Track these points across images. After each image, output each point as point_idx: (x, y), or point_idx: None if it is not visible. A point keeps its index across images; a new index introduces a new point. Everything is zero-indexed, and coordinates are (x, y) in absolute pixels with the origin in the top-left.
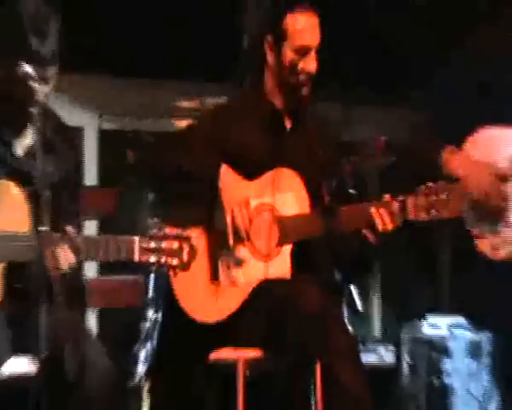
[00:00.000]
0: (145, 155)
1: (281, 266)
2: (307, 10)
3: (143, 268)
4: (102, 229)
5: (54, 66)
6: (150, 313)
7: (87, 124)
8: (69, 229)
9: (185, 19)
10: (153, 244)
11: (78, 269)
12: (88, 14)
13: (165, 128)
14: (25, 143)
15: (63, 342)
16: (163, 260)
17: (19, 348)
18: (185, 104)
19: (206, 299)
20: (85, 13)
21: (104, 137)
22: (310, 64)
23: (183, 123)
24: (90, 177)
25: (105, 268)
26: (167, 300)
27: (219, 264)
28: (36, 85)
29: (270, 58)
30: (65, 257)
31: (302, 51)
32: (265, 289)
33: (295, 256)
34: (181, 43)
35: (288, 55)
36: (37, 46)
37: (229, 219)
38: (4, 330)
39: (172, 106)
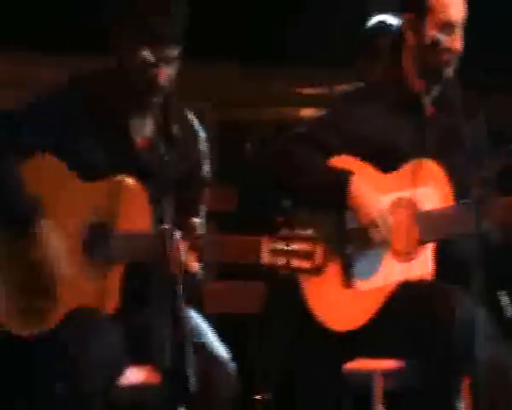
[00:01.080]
0: (270, 157)
1: (422, 266)
2: None
3: (268, 272)
4: (222, 228)
5: (177, 48)
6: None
7: (204, 115)
8: (192, 227)
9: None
10: (282, 246)
11: (200, 271)
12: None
13: (289, 117)
14: (146, 134)
15: (184, 350)
16: (293, 263)
17: (138, 357)
18: (310, 91)
19: (341, 305)
20: None
21: (223, 128)
22: (454, 42)
23: (308, 111)
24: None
25: (223, 272)
26: (295, 307)
27: (353, 267)
28: (158, 71)
29: (409, 38)
30: (188, 257)
31: (446, 28)
32: (405, 293)
33: (438, 256)
34: (303, 27)
35: (431, 32)
36: (161, 27)
37: (362, 223)
38: (122, 336)
39: (296, 93)
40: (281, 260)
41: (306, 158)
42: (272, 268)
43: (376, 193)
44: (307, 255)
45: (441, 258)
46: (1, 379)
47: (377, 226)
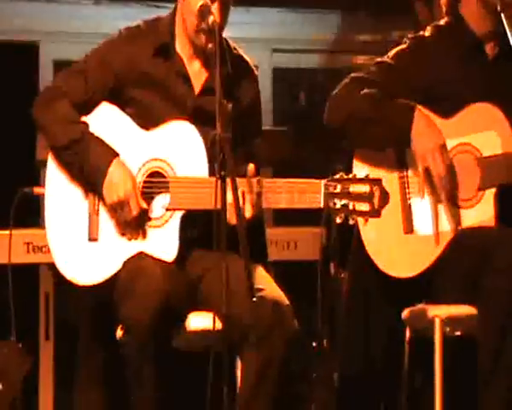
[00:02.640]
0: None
1: (483, 212)
2: None
3: (325, 218)
4: (277, 173)
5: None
6: (332, 268)
7: (260, 61)
8: (251, 172)
9: None
10: (340, 188)
11: (259, 218)
12: None
13: (343, 64)
14: (203, 79)
15: (246, 297)
16: (351, 205)
17: (200, 303)
18: (365, 38)
19: (400, 251)
20: None
21: (277, 75)
22: None
23: (361, 59)
24: (265, 117)
25: (280, 219)
26: (354, 253)
27: (413, 212)
28: (213, 17)
29: None
30: (249, 203)
31: None
32: (466, 239)
33: (501, 202)
34: None
35: None
36: None
37: (421, 168)
38: (183, 283)
39: (351, 40)
40: (339, 203)
41: (368, 99)
42: (330, 212)
43: (439, 128)
44: (365, 197)
45: (503, 204)
46: None
47: (435, 155)
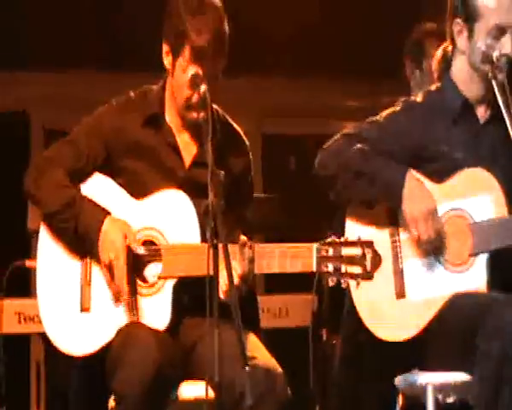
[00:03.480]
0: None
1: (476, 278)
2: None
3: (317, 282)
4: (268, 239)
5: (223, 63)
6: (324, 334)
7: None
8: (242, 239)
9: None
10: (332, 251)
11: (251, 284)
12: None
13: (333, 130)
14: (194, 149)
15: (239, 365)
16: (344, 268)
17: (192, 372)
18: (354, 104)
19: (392, 315)
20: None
21: (266, 141)
22: (506, 46)
23: (352, 125)
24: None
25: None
26: (346, 317)
27: (405, 276)
28: (205, 86)
29: (460, 44)
30: (240, 270)
31: (498, 32)
32: (458, 304)
33: (492, 266)
34: (345, 41)
35: (482, 37)
36: (207, 45)
37: (412, 231)
38: (175, 350)
39: (340, 106)
40: (331, 266)
41: (360, 153)
42: (323, 275)
43: (431, 193)
44: (358, 260)
45: (495, 269)
46: None
47: (427, 221)
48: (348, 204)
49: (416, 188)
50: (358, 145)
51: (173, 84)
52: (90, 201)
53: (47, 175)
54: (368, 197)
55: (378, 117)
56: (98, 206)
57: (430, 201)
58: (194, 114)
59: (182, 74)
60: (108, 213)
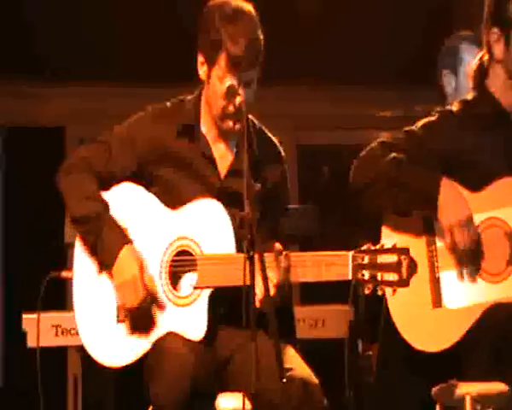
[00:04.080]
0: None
1: None
2: None
3: (353, 291)
4: (303, 249)
5: (258, 71)
6: (360, 346)
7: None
8: (277, 250)
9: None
10: (367, 259)
11: (287, 294)
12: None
13: (366, 140)
14: (230, 159)
15: (276, 376)
16: (379, 275)
17: (229, 383)
18: (387, 114)
19: (428, 325)
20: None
21: (301, 152)
22: None
23: (387, 134)
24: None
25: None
26: (383, 326)
27: (442, 286)
28: (241, 98)
29: (497, 52)
30: (276, 279)
31: None
32: (496, 314)
33: None
34: (378, 49)
35: None
36: (242, 54)
37: (448, 240)
38: (214, 361)
39: (373, 116)
40: (367, 274)
41: (395, 162)
42: (359, 283)
43: (466, 199)
44: (393, 267)
45: None
46: None
47: (463, 228)
48: (383, 213)
49: (452, 196)
50: (393, 154)
51: (209, 94)
52: (113, 222)
53: (79, 178)
54: (402, 205)
55: (414, 127)
56: (120, 230)
57: (465, 209)
58: (230, 124)
59: (218, 84)
60: (128, 241)
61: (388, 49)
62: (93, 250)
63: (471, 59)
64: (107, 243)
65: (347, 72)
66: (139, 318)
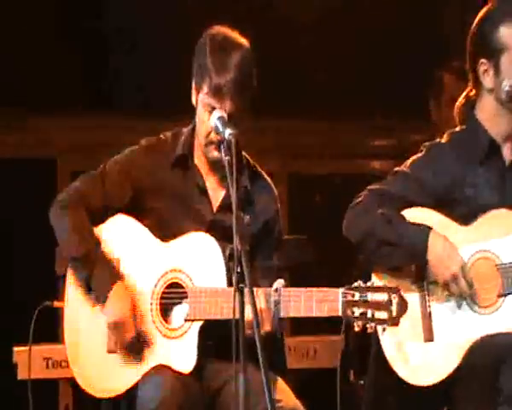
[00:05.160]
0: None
1: (505, 319)
2: None
3: (345, 325)
4: (294, 279)
5: (245, 103)
6: (351, 376)
7: (275, 168)
8: (275, 284)
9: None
10: (358, 296)
11: (278, 328)
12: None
13: (359, 170)
14: (221, 194)
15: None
16: (370, 313)
17: None
18: (381, 142)
19: (420, 359)
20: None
21: (292, 180)
22: None
23: (378, 164)
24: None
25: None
26: (374, 359)
27: (433, 320)
28: (231, 131)
29: (486, 83)
30: (266, 314)
31: None
32: (485, 346)
33: None
34: (371, 79)
35: (509, 69)
36: (229, 87)
37: (445, 293)
38: (203, 394)
39: (366, 145)
40: (357, 312)
41: (383, 219)
42: (349, 320)
43: (455, 247)
44: (384, 305)
45: None
46: None
47: (457, 280)
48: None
49: (441, 249)
50: (382, 210)
51: (197, 121)
52: (105, 260)
53: (73, 214)
54: (393, 264)
55: (403, 166)
56: (112, 268)
57: (456, 259)
58: (215, 153)
59: (202, 109)
60: (121, 279)
61: (383, 79)
62: (85, 285)
63: (453, 87)
64: (98, 281)
65: (339, 101)
66: (129, 351)
